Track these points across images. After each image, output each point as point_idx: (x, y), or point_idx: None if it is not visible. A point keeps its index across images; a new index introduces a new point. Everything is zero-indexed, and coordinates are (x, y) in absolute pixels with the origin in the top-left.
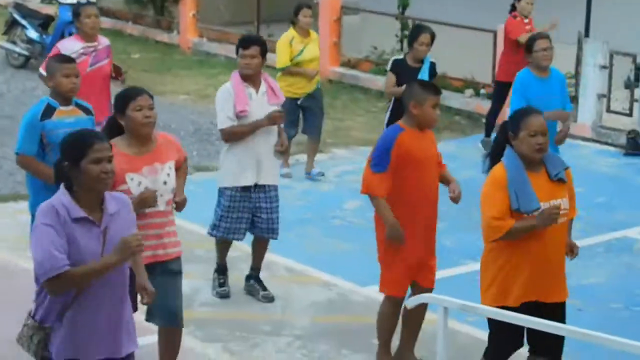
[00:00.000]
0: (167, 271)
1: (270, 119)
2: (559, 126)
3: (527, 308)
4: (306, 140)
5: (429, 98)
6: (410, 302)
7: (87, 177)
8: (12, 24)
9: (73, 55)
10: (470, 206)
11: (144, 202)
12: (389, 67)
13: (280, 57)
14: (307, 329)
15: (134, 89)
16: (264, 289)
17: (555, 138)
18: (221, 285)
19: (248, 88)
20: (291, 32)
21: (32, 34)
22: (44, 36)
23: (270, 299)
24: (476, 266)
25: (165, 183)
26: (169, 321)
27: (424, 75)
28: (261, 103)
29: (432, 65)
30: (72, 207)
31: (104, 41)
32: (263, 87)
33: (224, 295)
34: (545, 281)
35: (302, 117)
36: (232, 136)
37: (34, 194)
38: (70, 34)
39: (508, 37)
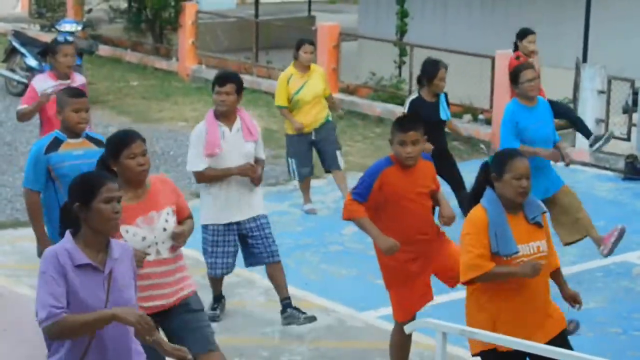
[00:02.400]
0: (189, 310)
1: (241, 171)
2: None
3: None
4: (332, 175)
5: (395, 135)
6: (409, 327)
7: (97, 217)
8: (12, 52)
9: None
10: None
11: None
12: (406, 109)
13: (277, 95)
14: (306, 355)
15: (126, 134)
16: (303, 312)
17: (565, 163)
18: (213, 309)
19: (221, 127)
20: (290, 69)
21: (31, 61)
22: (43, 64)
23: (311, 319)
24: None
25: (164, 230)
26: (205, 346)
27: (444, 108)
28: (235, 140)
29: (445, 95)
30: (75, 253)
31: (79, 79)
32: (237, 123)
33: (212, 319)
34: (535, 322)
35: (317, 152)
36: (204, 179)
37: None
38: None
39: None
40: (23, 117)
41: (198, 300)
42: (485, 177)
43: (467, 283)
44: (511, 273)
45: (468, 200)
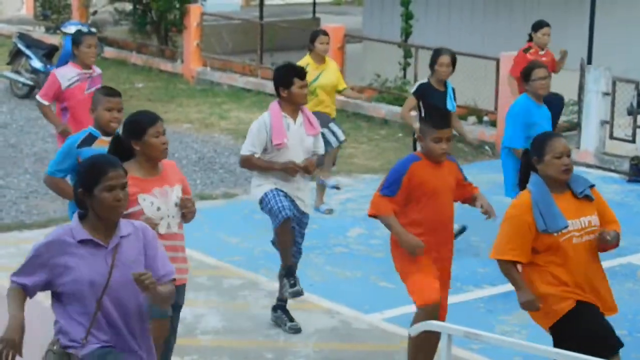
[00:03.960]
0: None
1: (284, 168)
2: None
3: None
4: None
5: (430, 132)
6: (413, 329)
7: (100, 205)
8: (17, 54)
9: (69, 82)
10: (472, 233)
11: None
12: (413, 90)
13: None
14: (310, 357)
15: (149, 115)
16: (291, 319)
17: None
18: (292, 285)
19: (286, 119)
20: (307, 58)
21: (36, 63)
22: (48, 66)
23: (297, 330)
24: (479, 292)
25: (176, 205)
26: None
27: (450, 99)
28: (299, 134)
29: (453, 90)
30: (78, 230)
31: (97, 69)
32: (300, 117)
33: (298, 293)
34: (590, 293)
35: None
36: (248, 165)
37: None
38: None
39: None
40: (41, 110)
41: (183, 295)
42: (528, 163)
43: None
44: (516, 284)
45: (517, 188)
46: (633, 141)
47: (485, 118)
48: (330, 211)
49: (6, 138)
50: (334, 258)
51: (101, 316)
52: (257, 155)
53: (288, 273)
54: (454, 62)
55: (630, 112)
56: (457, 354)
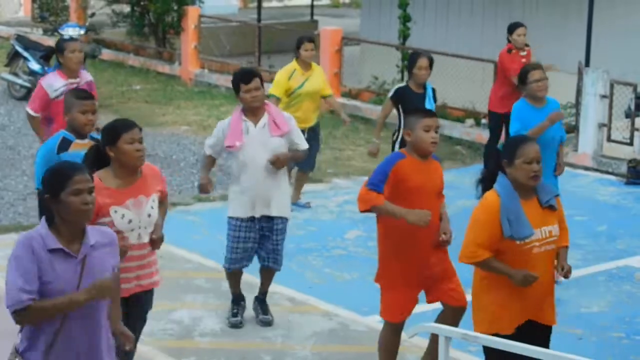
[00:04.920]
0: (140, 305)
1: (205, 185)
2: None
3: (521, 332)
4: (296, 172)
5: (420, 121)
6: (411, 331)
7: (67, 209)
8: (14, 56)
9: (56, 93)
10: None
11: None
12: (390, 94)
13: (275, 85)
14: (308, 359)
15: (124, 122)
16: (264, 312)
17: (555, 173)
18: (234, 315)
19: (245, 122)
20: (293, 64)
21: (34, 65)
22: (46, 68)
23: (266, 323)
24: None
25: (149, 215)
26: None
27: (429, 100)
28: (260, 136)
29: (434, 91)
30: (48, 238)
31: (86, 76)
32: (264, 119)
33: (235, 325)
34: (536, 303)
35: None
36: (203, 164)
37: None
38: None
39: (502, 71)
40: (29, 121)
41: (151, 299)
42: (497, 164)
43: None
44: (505, 272)
45: (480, 186)
46: (631, 144)
47: (483, 120)
48: (308, 204)
49: (4, 140)
50: (332, 260)
51: (67, 327)
52: (209, 153)
53: (233, 300)
54: (431, 65)
55: (628, 115)
56: (455, 356)
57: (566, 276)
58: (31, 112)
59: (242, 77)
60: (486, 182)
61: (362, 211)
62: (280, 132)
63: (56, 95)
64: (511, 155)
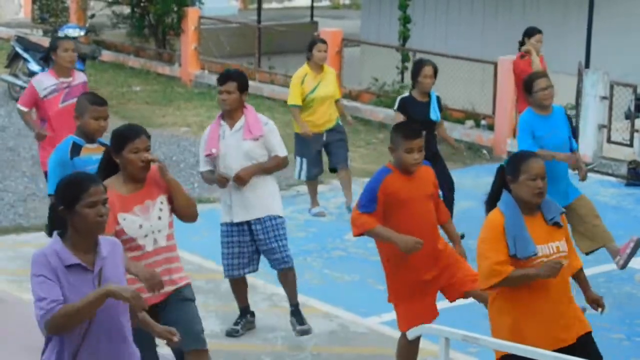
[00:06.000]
0: (182, 299)
1: (220, 181)
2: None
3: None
4: (338, 173)
5: (402, 143)
6: (411, 333)
7: (82, 221)
8: (14, 57)
9: (46, 92)
10: (469, 236)
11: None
12: (396, 106)
13: (291, 94)
14: None
15: (132, 129)
16: (300, 322)
17: (580, 179)
18: (235, 324)
19: (223, 126)
20: (305, 68)
21: (34, 66)
22: (46, 69)
23: (304, 332)
24: None
25: (160, 218)
26: (196, 342)
27: (434, 109)
28: (234, 139)
29: (438, 99)
30: (64, 254)
31: (80, 77)
32: (240, 122)
33: (230, 334)
34: (555, 321)
35: (326, 152)
36: (205, 181)
37: None
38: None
39: (521, 79)
40: (21, 117)
41: (191, 291)
42: (502, 181)
43: (488, 289)
44: (529, 275)
45: (486, 205)
46: (631, 145)
47: (483, 122)
48: (322, 214)
49: (4, 141)
50: (332, 262)
51: (88, 340)
52: (205, 169)
53: (241, 313)
54: (435, 73)
55: (627, 116)
56: (455, 358)
57: (600, 306)
58: (20, 107)
59: (218, 79)
60: (492, 200)
61: (355, 235)
62: (251, 135)
63: (45, 95)
64: (515, 171)
